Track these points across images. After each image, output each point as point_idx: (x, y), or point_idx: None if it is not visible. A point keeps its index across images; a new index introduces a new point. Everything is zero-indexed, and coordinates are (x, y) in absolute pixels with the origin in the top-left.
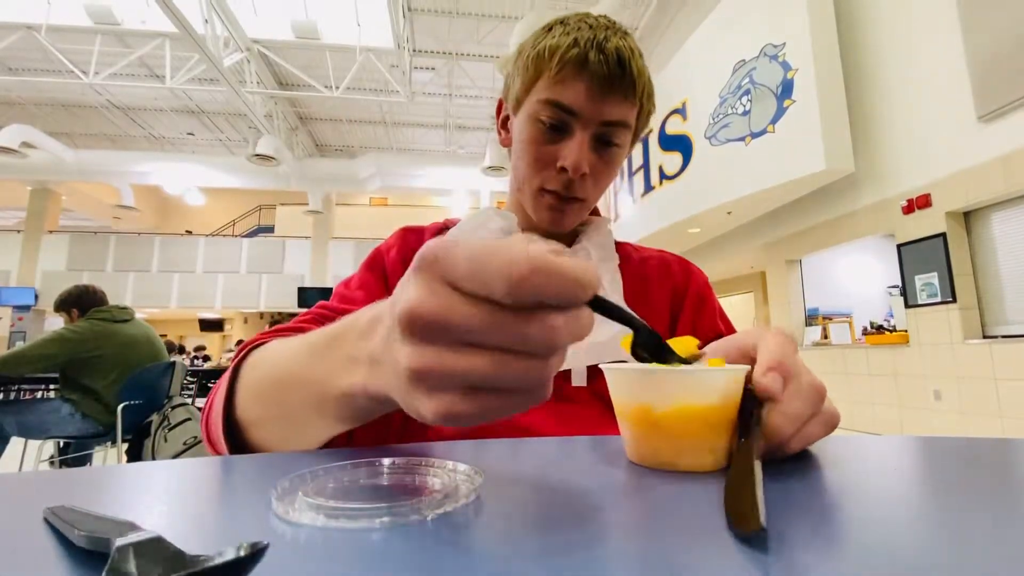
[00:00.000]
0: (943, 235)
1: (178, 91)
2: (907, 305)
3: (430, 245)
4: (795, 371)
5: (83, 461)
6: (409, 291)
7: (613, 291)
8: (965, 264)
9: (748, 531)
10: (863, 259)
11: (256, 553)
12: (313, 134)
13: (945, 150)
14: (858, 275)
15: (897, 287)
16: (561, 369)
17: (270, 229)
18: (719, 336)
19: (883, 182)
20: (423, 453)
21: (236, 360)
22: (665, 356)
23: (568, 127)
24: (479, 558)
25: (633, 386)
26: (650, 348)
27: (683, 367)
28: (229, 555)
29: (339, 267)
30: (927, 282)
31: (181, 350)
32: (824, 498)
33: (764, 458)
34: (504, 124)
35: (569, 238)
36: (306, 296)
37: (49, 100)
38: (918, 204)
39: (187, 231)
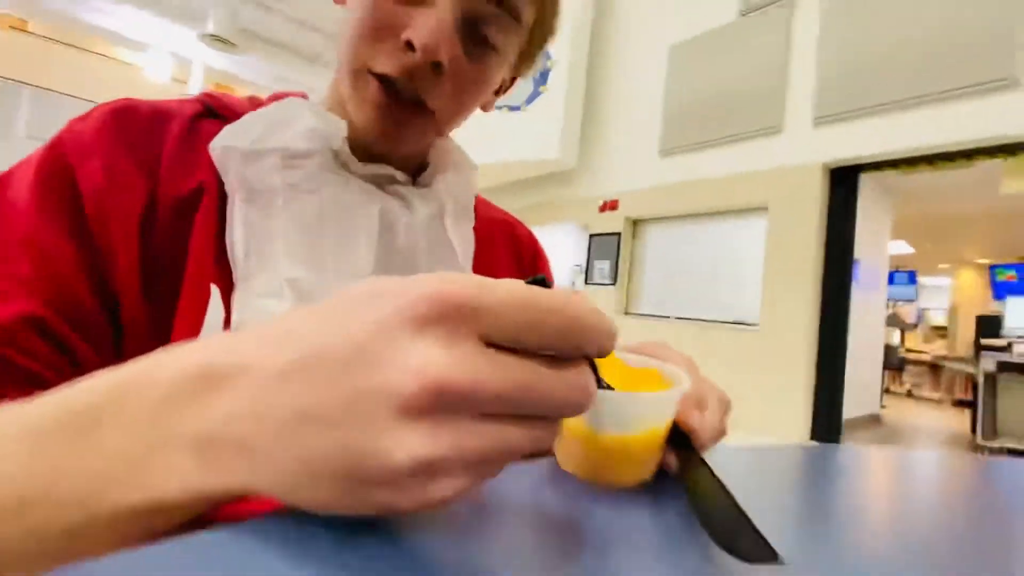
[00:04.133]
0: (619, 234)
1: None
2: (586, 282)
3: (450, 287)
4: (708, 389)
5: None
6: (432, 354)
7: (465, 257)
8: (627, 259)
9: (764, 561)
10: (564, 239)
11: None
12: None
13: (637, 169)
14: (558, 252)
15: (580, 266)
16: None
17: None
18: None
19: (592, 181)
20: None
21: None
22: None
23: None
24: None
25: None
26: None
27: (625, 394)
28: None
29: None
30: (601, 267)
31: None
32: None
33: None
34: None
35: (416, 170)
36: None
37: None
38: (610, 207)
39: None
